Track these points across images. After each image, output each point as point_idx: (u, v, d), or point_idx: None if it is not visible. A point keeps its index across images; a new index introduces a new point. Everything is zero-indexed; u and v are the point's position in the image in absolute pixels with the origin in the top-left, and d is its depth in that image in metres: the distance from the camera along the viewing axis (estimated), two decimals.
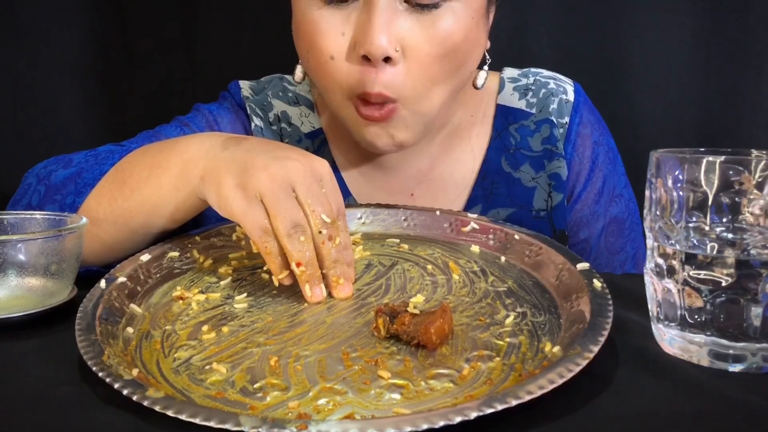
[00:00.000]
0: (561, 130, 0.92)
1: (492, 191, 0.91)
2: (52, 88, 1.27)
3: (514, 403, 0.43)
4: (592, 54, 1.22)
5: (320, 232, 0.63)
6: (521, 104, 0.93)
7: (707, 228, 0.52)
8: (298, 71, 0.86)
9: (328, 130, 0.94)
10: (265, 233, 0.62)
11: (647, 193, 0.55)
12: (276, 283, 0.64)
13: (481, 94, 0.91)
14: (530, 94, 0.94)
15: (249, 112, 0.94)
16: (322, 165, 0.66)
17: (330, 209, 0.64)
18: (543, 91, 0.93)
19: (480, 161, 0.92)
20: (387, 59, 0.74)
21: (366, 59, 0.74)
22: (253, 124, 0.94)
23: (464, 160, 0.92)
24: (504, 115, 0.93)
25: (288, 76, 0.98)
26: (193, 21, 1.29)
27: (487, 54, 0.85)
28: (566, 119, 0.92)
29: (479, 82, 0.86)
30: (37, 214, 0.70)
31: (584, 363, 0.48)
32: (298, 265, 0.62)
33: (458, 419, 0.42)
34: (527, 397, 0.44)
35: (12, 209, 0.77)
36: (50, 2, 1.25)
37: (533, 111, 0.93)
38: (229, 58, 1.26)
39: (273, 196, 0.61)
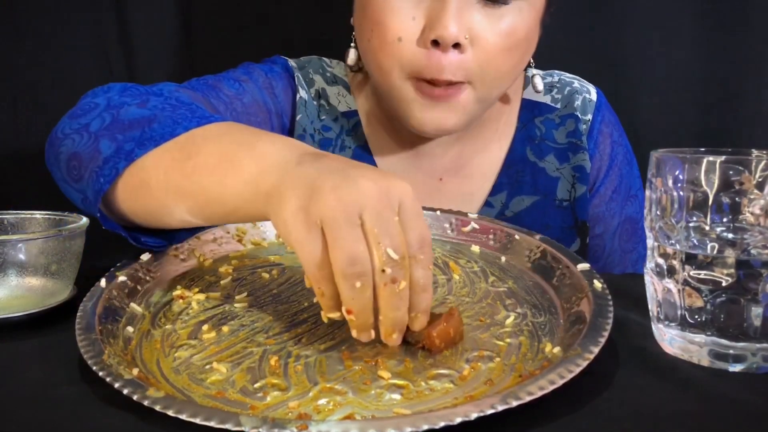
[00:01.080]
0: (584, 126, 0.95)
1: (517, 179, 0.94)
2: (52, 88, 1.27)
3: (514, 403, 0.43)
4: (592, 54, 1.22)
5: (383, 271, 0.50)
6: (546, 99, 0.97)
7: (707, 228, 0.52)
8: (352, 54, 0.89)
9: (362, 112, 0.95)
10: (319, 270, 0.51)
11: (647, 193, 0.55)
12: (325, 320, 0.54)
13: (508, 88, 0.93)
14: (555, 90, 0.97)
15: (296, 83, 0.94)
16: (403, 188, 0.53)
17: (400, 243, 0.51)
18: (568, 89, 0.97)
19: (506, 150, 0.95)
20: (456, 45, 0.77)
21: (435, 44, 0.77)
22: (298, 96, 0.93)
23: (491, 149, 0.95)
24: (529, 108, 0.96)
25: (325, 59, 0.99)
26: (193, 21, 1.28)
27: (532, 59, 0.90)
28: (589, 116, 0.95)
29: (539, 86, 0.92)
30: (37, 214, 0.70)
31: (584, 363, 0.48)
32: (349, 312, 0.51)
33: (458, 419, 0.42)
34: (528, 398, 0.44)
35: (68, 124, 0.69)
36: (50, 2, 1.25)
37: (558, 106, 0.96)
38: (229, 58, 1.26)
39: (334, 224, 0.50)
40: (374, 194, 0.51)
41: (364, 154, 0.93)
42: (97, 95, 0.72)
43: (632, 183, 0.98)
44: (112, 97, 0.71)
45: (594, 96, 0.97)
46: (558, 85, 0.98)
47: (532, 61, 0.91)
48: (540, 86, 0.93)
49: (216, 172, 0.60)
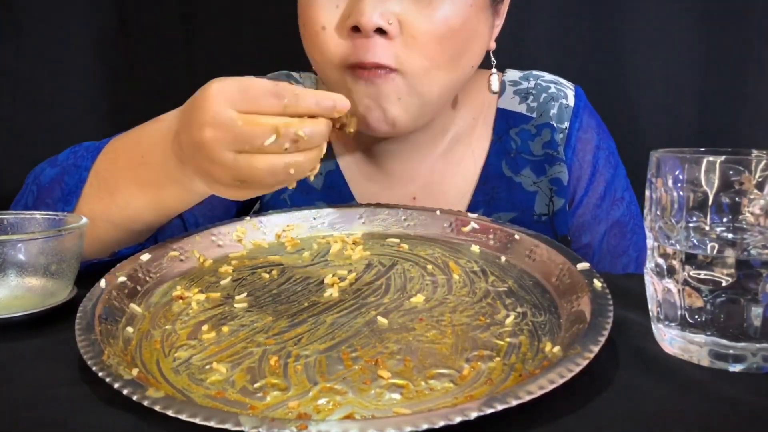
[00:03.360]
0: (561, 135, 0.92)
1: (493, 195, 0.91)
2: (52, 88, 1.27)
3: (514, 403, 0.43)
4: (592, 54, 1.22)
5: (286, 150, 0.58)
6: (522, 108, 0.93)
7: (707, 228, 0.52)
8: None
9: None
10: (282, 172, 0.59)
11: (647, 193, 0.55)
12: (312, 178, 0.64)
13: (482, 97, 0.92)
14: (531, 98, 0.94)
15: None
16: (216, 99, 0.59)
17: (262, 130, 0.58)
18: (544, 95, 0.93)
19: (481, 165, 0.92)
20: (381, 32, 0.75)
21: (356, 31, 0.75)
22: None
23: (465, 163, 0.92)
24: (504, 119, 0.93)
25: (294, 73, 0.98)
26: (193, 21, 1.29)
27: (492, 56, 0.86)
28: (566, 124, 0.92)
29: (494, 87, 0.88)
30: (37, 214, 0.70)
31: (584, 363, 0.48)
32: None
33: (458, 419, 0.42)
34: (527, 397, 0.44)
35: (14, 209, 0.78)
36: (51, 2, 1.25)
37: (533, 115, 0.93)
38: (229, 58, 1.26)
39: (245, 175, 0.59)
40: (211, 136, 0.59)
41: (335, 178, 0.92)
42: (28, 176, 0.80)
43: (618, 186, 0.94)
44: (35, 170, 0.80)
45: (571, 101, 0.93)
46: (534, 92, 0.94)
47: (493, 58, 0.87)
48: (495, 86, 0.88)
49: (147, 196, 0.70)
